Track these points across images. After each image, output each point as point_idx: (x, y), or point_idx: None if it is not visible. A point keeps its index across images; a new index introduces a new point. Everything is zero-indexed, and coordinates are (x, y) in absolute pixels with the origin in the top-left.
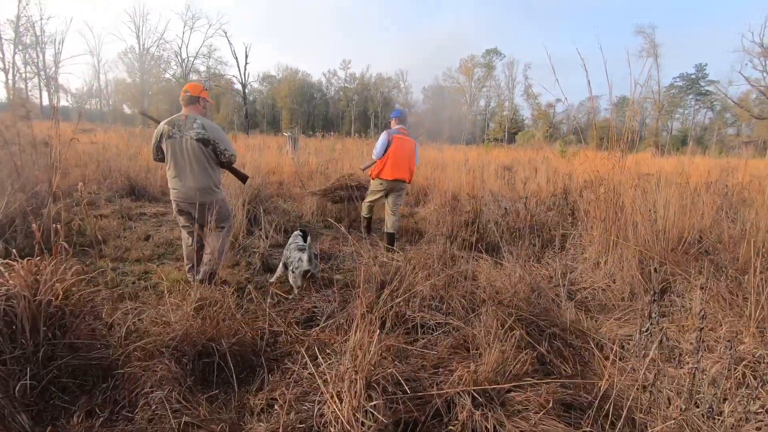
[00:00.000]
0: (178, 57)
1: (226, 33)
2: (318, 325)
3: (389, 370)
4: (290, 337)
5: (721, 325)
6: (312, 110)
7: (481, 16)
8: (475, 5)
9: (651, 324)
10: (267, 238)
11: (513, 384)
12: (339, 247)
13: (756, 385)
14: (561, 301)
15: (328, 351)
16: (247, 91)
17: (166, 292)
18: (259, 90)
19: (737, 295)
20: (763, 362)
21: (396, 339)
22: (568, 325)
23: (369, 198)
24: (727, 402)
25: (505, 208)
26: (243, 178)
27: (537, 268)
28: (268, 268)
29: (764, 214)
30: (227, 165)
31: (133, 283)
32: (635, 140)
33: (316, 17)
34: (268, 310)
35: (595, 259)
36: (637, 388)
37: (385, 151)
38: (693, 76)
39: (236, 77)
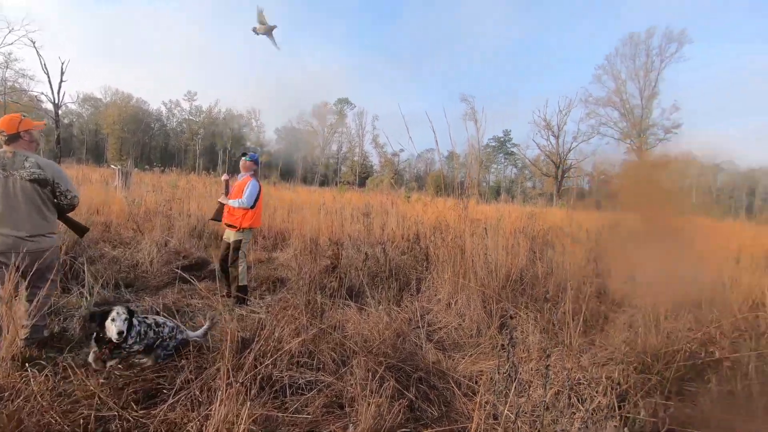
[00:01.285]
0: None
1: (33, 42)
2: (165, 401)
3: None
4: (126, 422)
5: (551, 354)
6: (149, 141)
7: (334, 67)
8: (331, 56)
9: (510, 366)
10: (91, 295)
11: None
12: (187, 301)
13: (579, 404)
14: (422, 343)
15: None
16: (60, 112)
17: None
18: (77, 113)
19: (554, 324)
20: (582, 384)
21: (264, 406)
22: (430, 367)
23: (246, 256)
24: (557, 422)
25: (366, 253)
26: (80, 229)
27: (398, 312)
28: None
29: (560, 255)
30: (67, 209)
31: None
32: (473, 191)
33: (157, 43)
34: (95, 390)
35: (447, 300)
36: (496, 425)
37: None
38: (502, 139)
39: (46, 95)
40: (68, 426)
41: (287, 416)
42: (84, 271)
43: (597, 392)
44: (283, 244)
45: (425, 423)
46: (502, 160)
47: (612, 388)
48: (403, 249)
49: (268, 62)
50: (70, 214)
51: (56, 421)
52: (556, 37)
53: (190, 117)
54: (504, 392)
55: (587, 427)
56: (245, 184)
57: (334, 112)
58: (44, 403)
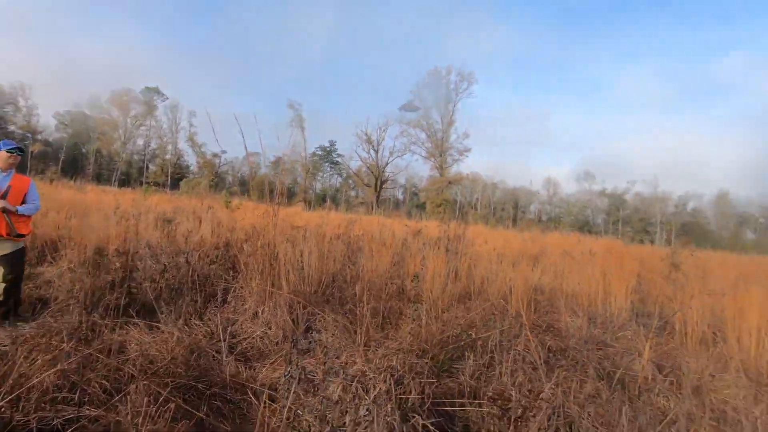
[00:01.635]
0: None
1: None
2: None
3: None
4: None
5: (342, 352)
6: None
7: (140, 50)
8: (134, 37)
9: (291, 368)
10: None
11: None
12: None
13: (363, 394)
14: (222, 357)
15: None
16: None
17: None
18: None
19: (353, 323)
20: (368, 375)
21: None
22: (228, 381)
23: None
24: (347, 413)
25: (165, 264)
26: None
27: (199, 326)
28: None
29: (369, 259)
30: None
31: None
32: (285, 199)
33: None
34: None
35: (254, 309)
36: (282, 425)
37: None
38: (328, 149)
39: None
40: None
41: None
42: None
43: (379, 380)
44: (55, 256)
45: None
46: (328, 169)
47: (391, 375)
48: (212, 258)
49: (47, 28)
50: None
51: None
52: (382, 58)
53: None
54: (290, 394)
55: (370, 413)
56: (26, 185)
57: (140, 101)
58: None
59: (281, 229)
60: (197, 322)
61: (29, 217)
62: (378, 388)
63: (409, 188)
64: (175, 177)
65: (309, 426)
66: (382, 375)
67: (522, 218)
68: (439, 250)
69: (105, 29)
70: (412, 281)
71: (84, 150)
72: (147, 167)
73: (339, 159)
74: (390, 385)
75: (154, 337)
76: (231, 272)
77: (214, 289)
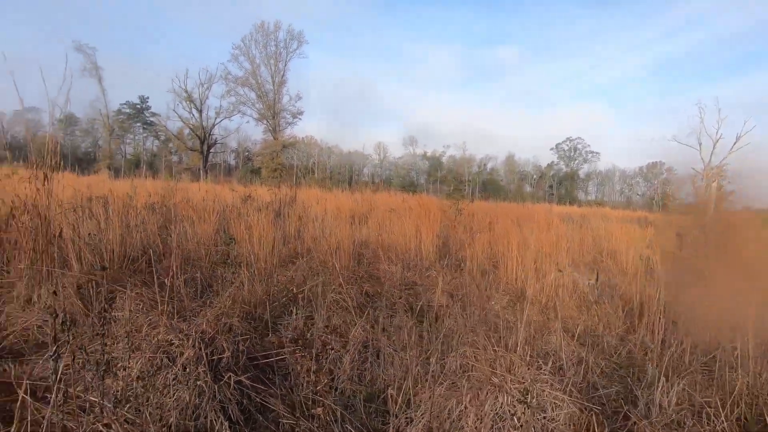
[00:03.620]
0: None
1: None
2: None
3: None
4: None
5: (143, 325)
6: None
7: None
8: None
9: (57, 348)
10: None
11: None
12: None
13: (169, 363)
14: None
15: None
16: None
17: None
18: None
19: (164, 295)
20: (174, 343)
21: None
22: None
23: None
24: (150, 387)
25: None
26: None
27: None
28: None
29: (189, 227)
30: None
31: None
32: (59, 161)
33: None
34: None
35: (27, 296)
36: (60, 414)
37: None
38: (138, 106)
39: None
40: None
41: None
42: None
43: (187, 346)
44: None
45: None
46: (141, 131)
47: (201, 339)
48: None
49: None
50: None
51: None
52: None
53: None
54: (74, 379)
55: (179, 380)
56: None
57: None
58: None
59: (67, 199)
60: None
61: None
62: (186, 354)
63: (242, 153)
64: None
65: (101, 409)
66: (191, 340)
67: (357, 181)
68: (268, 214)
69: None
70: (227, 244)
71: None
72: None
73: (154, 119)
74: (199, 348)
75: None
76: None
77: None
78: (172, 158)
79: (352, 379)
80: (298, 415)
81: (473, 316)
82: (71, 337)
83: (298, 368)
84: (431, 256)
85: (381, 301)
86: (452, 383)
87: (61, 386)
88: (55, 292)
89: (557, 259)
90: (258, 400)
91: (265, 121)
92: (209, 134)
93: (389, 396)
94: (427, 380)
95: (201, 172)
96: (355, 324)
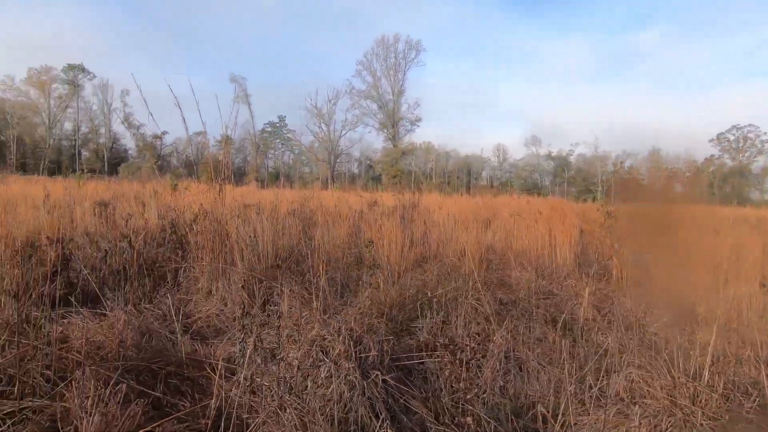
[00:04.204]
0: None
1: None
2: None
3: None
4: None
5: (300, 319)
6: None
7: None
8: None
9: (245, 335)
10: None
11: None
12: None
13: (323, 357)
14: (177, 337)
15: None
16: None
17: None
18: None
19: (312, 293)
20: (326, 339)
21: None
22: (184, 359)
23: None
24: (309, 377)
25: (105, 250)
26: None
27: (150, 309)
28: None
29: (325, 231)
30: None
31: None
32: (231, 175)
33: None
34: None
35: (208, 288)
36: (242, 394)
37: None
38: (277, 125)
39: None
40: None
41: None
42: None
43: (338, 342)
44: None
45: (169, 416)
46: (280, 146)
47: (350, 336)
48: (159, 241)
49: None
50: None
51: None
52: (323, 30)
53: None
54: (247, 363)
55: (330, 373)
56: None
57: (63, 81)
58: None
59: (231, 206)
60: (147, 306)
61: None
62: (337, 349)
63: (364, 161)
64: (113, 162)
65: (269, 391)
66: (341, 337)
67: (475, 185)
68: (395, 218)
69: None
70: (366, 247)
71: (2, 138)
72: (79, 153)
73: (290, 135)
74: (349, 345)
75: (99, 323)
76: (180, 253)
77: (163, 272)
78: (305, 169)
79: (493, 391)
80: (444, 421)
81: (628, 333)
82: (252, 327)
83: (446, 373)
84: (569, 264)
85: (516, 309)
86: (619, 410)
87: (243, 368)
88: (243, 286)
89: (739, 271)
90: (402, 401)
91: (385, 130)
92: (336, 146)
93: (539, 414)
94: (583, 401)
95: (329, 180)
96: (494, 332)
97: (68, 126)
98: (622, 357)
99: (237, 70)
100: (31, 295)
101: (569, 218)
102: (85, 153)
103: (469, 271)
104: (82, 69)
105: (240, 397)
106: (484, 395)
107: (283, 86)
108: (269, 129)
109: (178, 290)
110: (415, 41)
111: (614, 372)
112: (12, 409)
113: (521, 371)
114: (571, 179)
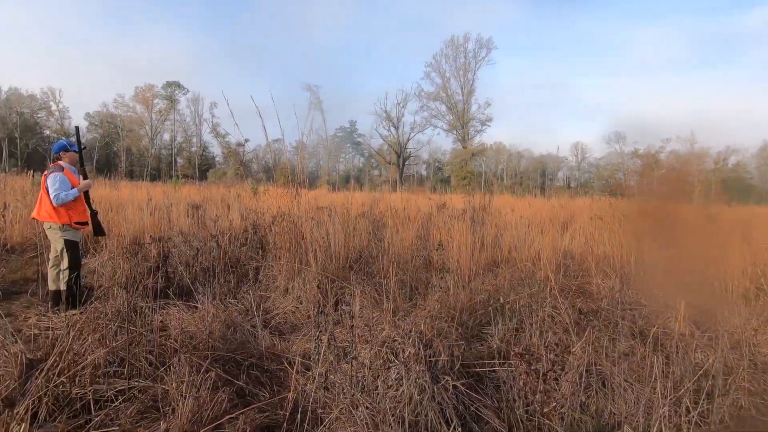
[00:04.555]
0: None
1: None
2: None
3: None
4: None
5: (370, 320)
6: None
7: (160, 47)
8: (155, 34)
9: (320, 331)
10: None
11: (212, 426)
12: None
13: (393, 358)
14: (257, 331)
15: None
16: None
17: None
18: None
19: (381, 294)
20: (396, 340)
21: (54, 428)
22: (264, 353)
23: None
24: (379, 377)
25: (197, 248)
26: None
27: (233, 304)
28: None
29: (394, 234)
30: None
31: None
32: (306, 179)
33: None
34: None
35: (285, 286)
36: (316, 389)
37: None
38: (348, 129)
39: None
40: None
41: None
42: None
43: (408, 345)
44: (96, 248)
45: (251, 405)
46: (350, 150)
47: (420, 339)
48: (242, 241)
49: (74, 34)
50: None
51: None
52: (390, 33)
53: None
54: (322, 360)
55: (400, 375)
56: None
57: (163, 96)
58: None
59: (306, 209)
60: (232, 301)
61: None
62: (407, 352)
63: (433, 163)
64: (202, 168)
65: (341, 388)
66: (411, 339)
67: (550, 186)
68: (465, 221)
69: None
70: (436, 250)
71: (115, 148)
72: (175, 161)
73: (360, 139)
74: (419, 348)
75: (192, 315)
76: (260, 252)
77: (245, 270)
78: (374, 172)
79: (573, 406)
80: None
81: (735, 352)
82: (326, 325)
83: (520, 384)
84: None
85: (598, 320)
86: None
87: (318, 365)
88: (318, 286)
89: None
90: (473, 409)
91: (454, 132)
92: (404, 148)
93: None
94: (679, 426)
95: (397, 183)
96: (574, 343)
97: (166, 137)
98: (727, 379)
99: (311, 79)
100: (138, 287)
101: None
102: (179, 160)
103: (545, 276)
104: (179, 85)
105: (314, 392)
106: (563, 410)
107: (354, 92)
108: (340, 134)
109: (258, 287)
110: (485, 39)
111: (718, 396)
112: (122, 387)
113: (604, 387)
114: (663, 179)
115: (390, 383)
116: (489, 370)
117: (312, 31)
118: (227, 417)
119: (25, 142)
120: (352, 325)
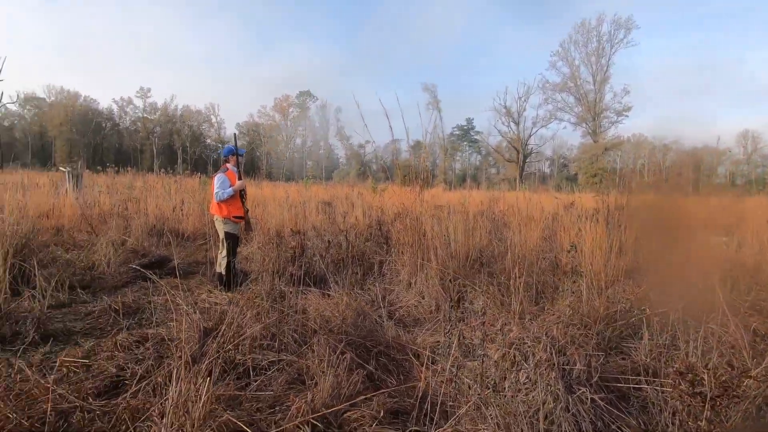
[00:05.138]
0: None
1: None
2: (127, 391)
3: (224, 417)
4: (88, 413)
5: (498, 320)
6: (100, 142)
7: (294, 60)
8: (291, 51)
9: (451, 326)
10: (44, 297)
11: (348, 404)
12: (147, 299)
13: (522, 361)
14: (383, 321)
15: (143, 419)
16: None
17: None
18: (19, 114)
19: (505, 295)
20: (525, 343)
21: (226, 387)
22: (390, 342)
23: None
24: (506, 379)
25: (329, 241)
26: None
27: (361, 294)
28: (47, 336)
29: (517, 234)
30: None
31: None
32: (430, 178)
33: (105, 38)
34: (51, 387)
35: (408, 281)
36: (445, 383)
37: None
38: (465, 127)
39: None
40: (26, 421)
41: (250, 394)
42: (35, 275)
43: (538, 349)
44: (247, 238)
45: (383, 390)
46: (467, 148)
47: (551, 345)
48: (366, 236)
49: (228, 56)
50: None
51: (13, 416)
52: (511, 26)
53: (145, 115)
54: (451, 355)
55: (530, 379)
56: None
57: (296, 105)
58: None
59: (426, 207)
60: (359, 291)
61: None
62: (538, 356)
63: (557, 160)
64: (329, 169)
65: (468, 386)
66: (542, 344)
67: (706, 183)
68: (598, 222)
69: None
70: (568, 252)
71: (258, 153)
72: (305, 163)
73: (477, 137)
74: (551, 354)
75: (327, 301)
76: (385, 247)
77: (370, 263)
78: (491, 170)
79: None
80: None
81: None
82: (456, 321)
83: (677, 406)
84: None
85: None
86: None
87: (449, 360)
88: (441, 282)
89: None
90: (614, 427)
91: (584, 125)
92: (525, 144)
93: None
94: None
95: (517, 181)
96: (750, 369)
97: (299, 141)
98: None
99: (429, 79)
100: (282, 273)
101: None
102: (309, 162)
103: (706, 289)
104: (309, 94)
105: (441, 385)
106: None
107: (472, 89)
108: (457, 132)
109: (382, 280)
110: (624, 19)
111: None
112: (273, 359)
113: None
114: None
115: (519, 386)
116: (634, 387)
117: (430, 32)
118: (362, 397)
119: (193, 150)
120: (483, 322)
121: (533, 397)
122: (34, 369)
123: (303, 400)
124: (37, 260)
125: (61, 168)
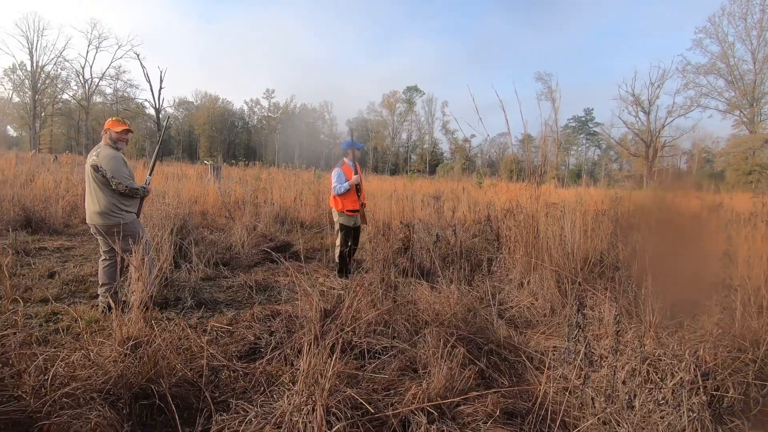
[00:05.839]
0: (80, 77)
1: (138, 55)
2: (263, 357)
3: (347, 392)
4: (233, 372)
5: (627, 332)
6: (233, 138)
7: (403, 56)
8: (402, 48)
9: (578, 331)
10: (197, 271)
11: (462, 398)
12: (275, 278)
13: (657, 379)
14: (493, 320)
15: (276, 383)
16: (161, 115)
17: (84, 332)
18: (174, 116)
19: (635, 306)
20: (662, 360)
21: (345, 365)
22: (501, 341)
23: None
24: (637, 397)
25: (437, 235)
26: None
27: (469, 290)
28: (200, 303)
29: (649, 239)
30: (122, 192)
31: (41, 325)
32: (542, 174)
33: (239, 46)
34: (205, 346)
35: (519, 280)
36: (567, 392)
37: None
38: (583, 119)
39: (149, 101)
40: (189, 372)
41: (365, 374)
42: (191, 251)
43: (679, 369)
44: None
45: (498, 389)
46: (584, 141)
47: (696, 365)
48: (473, 232)
49: (342, 58)
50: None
51: (180, 367)
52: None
53: (269, 114)
54: (575, 364)
55: (667, 401)
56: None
57: (403, 100)
58: (170, 353)
59: (540, 204)
60: (467, 288)
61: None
62: (678, 377)
63: (698, 154)
64: (432, 164)
65: (592, 401)
66: (684, 363)
67: None
68: (756, 227)
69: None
70: (720, 261)
71: (366, 148)
72: (410, 157)
73: (596, 129)
74: (695, 376)
75: (437, 294)
76: (495, 244)
77: (479, 259)
78: (613, 166)
79: None
80: None
81: None
82: (584, 328)
83: None
84: None
85: None
86: None
87: (574, 369)
88: (558, 286)
89: None
90: None
91: (737, 113)
92: (656, 136)
93: None
94: None
95: (645, 178)
96: None
97: (404, 136)
98: None
99: (544, 68)
100: (391, 264)
101: None
102: (413, 156)
103: None
104: (416, 89)
105: (561, 393)
106: None
107: (593, 77)
108: (573, 124)
109: (491, 278)
110: None
111: None
112: (387, 345)
113: None
114: None
115: (653, 407)
116: None
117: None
118: (474, 393)
119: (307, 145)
120: (617, 330)
121: (671, 421)
122: (191, 330)
123: (418, 388)
124: (192, 238)
125: (205, 161)
